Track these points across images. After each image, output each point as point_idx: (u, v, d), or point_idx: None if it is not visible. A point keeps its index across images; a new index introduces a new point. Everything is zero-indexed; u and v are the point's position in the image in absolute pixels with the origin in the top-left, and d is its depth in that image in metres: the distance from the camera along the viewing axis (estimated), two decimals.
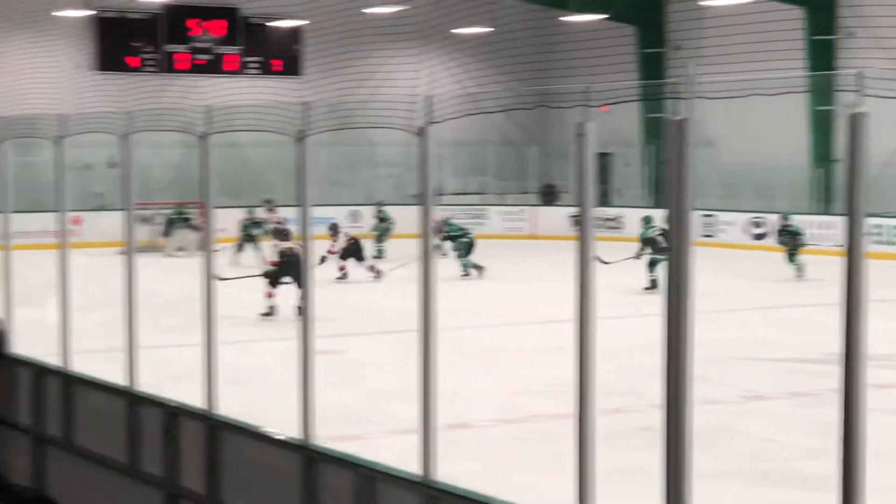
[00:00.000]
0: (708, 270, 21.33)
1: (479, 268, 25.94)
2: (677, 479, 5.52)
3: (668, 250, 19.21)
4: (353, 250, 25.58)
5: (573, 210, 7.00)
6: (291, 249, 19.85)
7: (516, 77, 36.51)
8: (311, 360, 8.29)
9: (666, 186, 5.48)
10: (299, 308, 18.99)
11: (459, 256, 26.49)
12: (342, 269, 25.25)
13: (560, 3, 35.42)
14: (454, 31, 37.66)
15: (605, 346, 6.29)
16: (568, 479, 6.26)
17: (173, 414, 9.67)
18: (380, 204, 32.14)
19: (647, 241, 23.91)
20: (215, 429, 9.18)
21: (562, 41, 37.43)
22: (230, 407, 9.40)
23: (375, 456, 8.15)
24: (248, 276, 19.95)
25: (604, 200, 37.68)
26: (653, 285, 23.02)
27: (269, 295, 19.79)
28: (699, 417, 5.65)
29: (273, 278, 19.82)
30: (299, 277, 19.55)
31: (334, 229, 25.18)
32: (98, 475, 10.70)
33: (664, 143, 5.53)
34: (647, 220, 24.42)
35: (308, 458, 8.16)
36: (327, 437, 8.47)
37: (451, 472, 7.46)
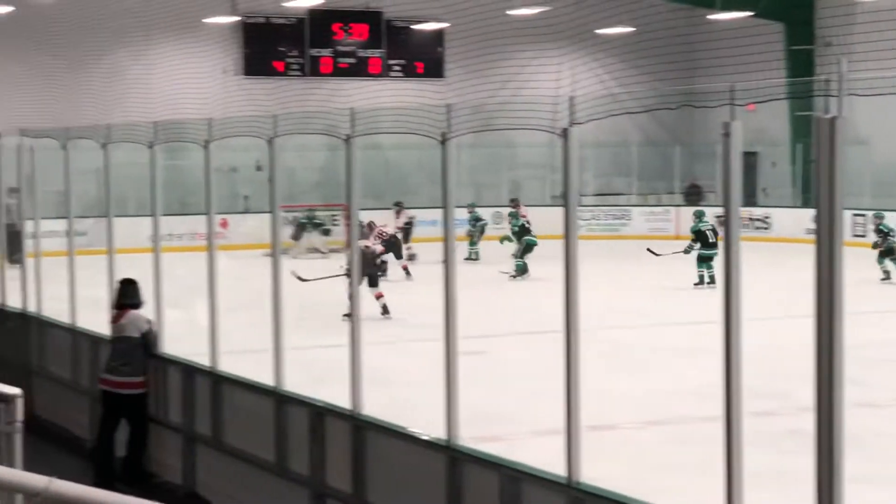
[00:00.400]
0: (859, 270, 21.02)
1: (524, 271, 25.93)
2: (830, 483, 5.40)
3: (716, 245, 19.51)
4: (389, 247, 25.37)
5: (719, 210, 6.90)
6: (368, 247, 20.01)
7: (660, 77, 36.15)
8: (455, 361, 8.30)
9: (815, 186, 5.36)
10: (384, 307, 19.57)
11: (514, 255, 26.65)
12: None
13: (706, 1, 35.01)
14: (597, 31, 37.48)
15: (748, 347, 6.17)
16: (716, 482, 6.17)
17: (319, 414, 9.76)
18: (472, 206, 31.82)
19: (697, 236, 24.07)
20: (361, 429, 9.24)
21: (707, 39, 36.98)
22: (374, 407, 9.46)
23: (520, 457, 8.12)
24: (330, 277, 19.63)
25: (750, 200, 37.15)
26: (700, 280, 23.43)
27: (380, 295, 19.74)
28: (851, 420, 5.52)
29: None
30: (373, 276, 19.85)
31: (371, 227, 25.11)
32: (246, 473, 10.86)
33: (813, 142, 5.41)
34: (699, 215, 24.74)
35: (452, 458, 8.17)
36: (471, 437, 8.47)
37: (596, 473, 7.41)
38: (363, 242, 20.28)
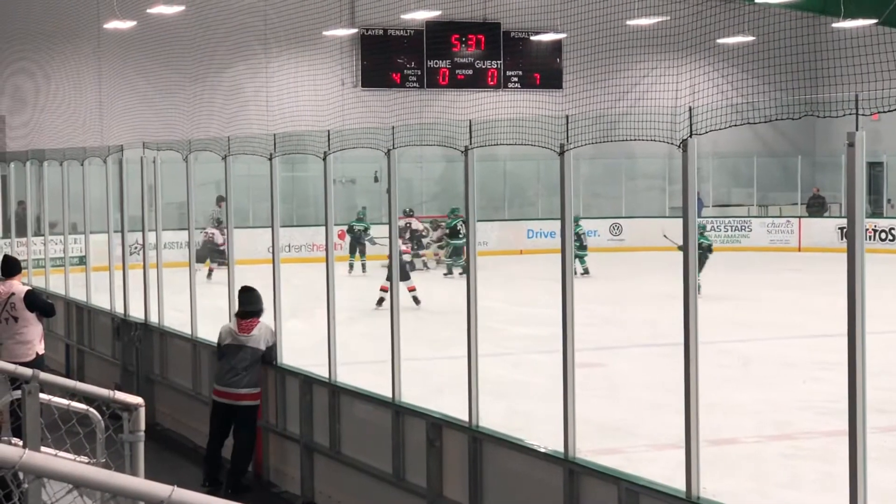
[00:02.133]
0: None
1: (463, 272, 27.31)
2: None
3: (586, 247, 20.67)
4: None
5: (842, 222, 6.78)
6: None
7: (781, 86, 35.58)
8: (572, 373, 8.25)
9: None
10: (415, 298, 21.82)
11: (449, 255, 28.98)
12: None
13: (829, 9, 34.49)
14: (717, 40, 37.13)
15: (874, 361, 6.04)
16: (841, 499, 6.05)
17: (436, 425, 9.76)
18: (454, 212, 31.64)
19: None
20: (477, 441, 9.22)
21: (830, 48, 36.31)
22: (492, 419, 9.43)
23: (638, 470, 8.04)
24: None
25: (875, 212, 36.49)
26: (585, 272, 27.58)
27: (385, 289, 20.53)
28: None
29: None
30: (401, 270, 21.01)
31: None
32: (363, 484, 10.89)
33: None
34: (576, 219, 26.98)
35: (570, 471, 8.12)
36: (589, 450, 8.41)
37: (717, 488, 7.32)
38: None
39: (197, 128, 31.46)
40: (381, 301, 21.23)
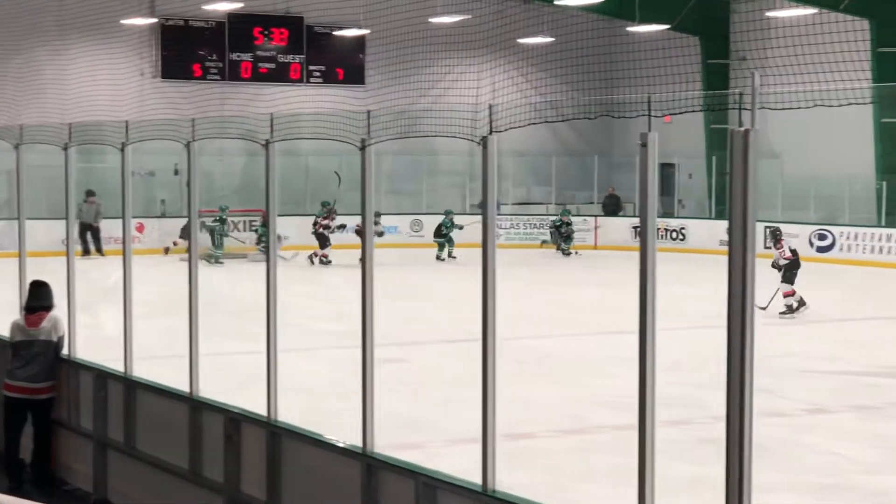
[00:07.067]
0: (773, 283, 21.29)
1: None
2: (740, 491, 5.47)
3: (447, 236, 21.81)
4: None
5: (636, 221, 6.97)
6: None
7: (579, 87, 36.18)
8: (371, 368, 8.29)
9: (730, 198, 5.43)
10: (793, 305, 21.54)
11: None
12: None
13: (625, 13, 35.27)
14: (517, 40, 37.65)
15: (663, 357, 6.22)
16: (631, 491, 6.22)
17: (234, 420, 9.70)
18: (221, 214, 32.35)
19: (437, 231, 32.94)
20: (276, 436, 9.20)
21: (625, 51, 37.10)
22: (292, 414, 9.41)
23: (436, 465, 8.12)
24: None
25: (667, 212, 37.45)
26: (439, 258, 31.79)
27: (790, 293, 21.74)
28: (763, 430, 5.59)
29: (790, 275, 21.93)
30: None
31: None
32: (159, 480, 10.76)
33: (728, 154, 5.49)
34: (448, 213, 32.73)
35: (368, 466, 8.16)
36: (388, 445, 8.46)
37: (513, 481, 7.43)
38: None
39: None
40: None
